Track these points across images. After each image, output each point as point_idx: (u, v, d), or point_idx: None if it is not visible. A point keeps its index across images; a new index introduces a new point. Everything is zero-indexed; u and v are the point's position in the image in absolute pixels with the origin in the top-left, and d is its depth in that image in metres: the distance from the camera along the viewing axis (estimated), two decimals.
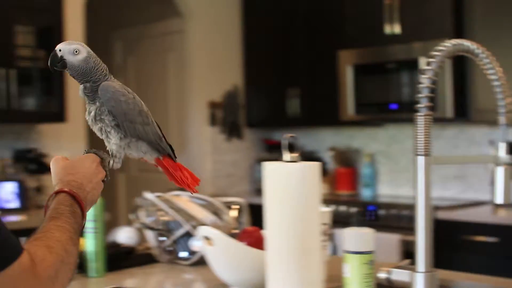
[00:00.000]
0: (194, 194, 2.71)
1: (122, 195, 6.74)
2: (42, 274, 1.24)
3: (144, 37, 6.59)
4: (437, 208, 4.43)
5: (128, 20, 6.76)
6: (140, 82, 6.63)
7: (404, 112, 4.74)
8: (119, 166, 1.71)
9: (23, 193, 4.68)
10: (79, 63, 1.65)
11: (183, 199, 2.66)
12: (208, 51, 6.06)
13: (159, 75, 6.43)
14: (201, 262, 2.37)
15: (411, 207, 1.66)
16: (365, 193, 5.43)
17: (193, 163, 6.07)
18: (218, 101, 6.09)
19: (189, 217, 2.53)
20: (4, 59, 4.55)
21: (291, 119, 5.79)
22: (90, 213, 2.35)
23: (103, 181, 1.62)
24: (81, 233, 1.45)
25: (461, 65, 4.52)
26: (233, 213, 2.66)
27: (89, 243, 2.37)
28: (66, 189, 1.47)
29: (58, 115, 4.81)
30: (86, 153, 1.64)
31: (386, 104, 4.97)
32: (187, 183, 1.79)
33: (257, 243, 2.02)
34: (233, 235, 2.28)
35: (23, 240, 1.31)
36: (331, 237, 2.47)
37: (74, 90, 5.12)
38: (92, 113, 1.69)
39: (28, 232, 3.82)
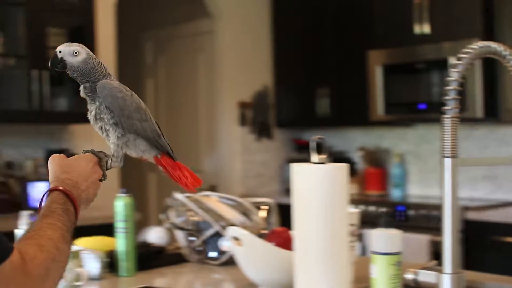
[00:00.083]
0: (223, 195, 2.74)
1: (152, 195, 6.78)
2: (33, 272, 1.25)
3: (174, 37, 6.63)
4: (466, 208, 4.41)
5: (158, 20, 6.80)
6: (170, 82, 6.67)
7: (433, 112, 4.73)
8: (117, 165, 1.73)
9: None
10: (78, 64, 1.69)
11: (213, 200, 2.68)
12: (238, 51, 6.09)
13: (189, 76, 6.47)
14: (230, 262, 2.39)
15: (440, 208, 1.67)
16: (395, 194, 5.42)
17: (223, 163, 6.11)
18: (248, 101, 6.11)
19: (218, 217, 2.56)
20: (37, 61, 4.61)
21: (320, 119, 5.80)
22: (121, 213, 2.39)
23: (100, 180, 1.64)
24: (73, 230, 1.46)
25: (491, 65, 4.50)
26: (262, 213, 2.68)
27: (120, 243, 2.40)
28: (59, 187, 1.49)
29: None
30: (85, 152, 1.66)
31: (415, 104, 4.96)
32: (185, 182, 1.81)
33: (286, 243, 2.04)
34: (262, 236, 2.30)
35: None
36: (360, 238, 2.49)
37: None
38: (93, 113, 1.73)
39: None
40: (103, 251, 2.39)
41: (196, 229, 2.57)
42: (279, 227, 2.57)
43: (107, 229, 2.62)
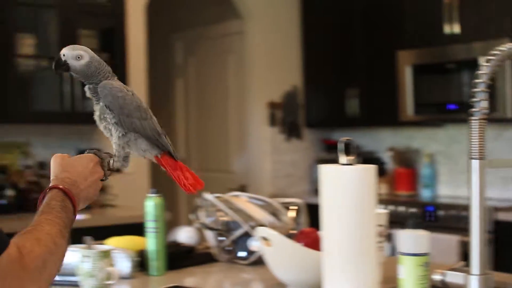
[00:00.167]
0: (253, 195, 2.76)
1: (183, 195, 6.82)
2: (30, 265, 1.29)
3: (204, 38, 6.67)
4: (496, 209, 4.39)
5: (188, 21, 6.84)
6: (200, 83, 6.70)
7: (464, 113, 4.68)
8: (119, 165, 1.76)
9: None
10: (81, 67, 1.73)
11: (242, 200, 2.70)
12: (267, 52, 6.11)
13: (219, 76, 6.50)
14: (259, 261, 2.40)
15: (468, 209, 1.67)
16: (425, 194, 5.40)
17: (252, 163, 6.13)
18: (278, 102, 6.13)
19: (247, 217, 2.57)
20: None
21: (350, 119, 5.80)
22: (151, 213, 2.42)
23: (102, 180, 1.68)
24: (71, 226, 1.50)
25: None
26: (291, 213, 2.69)
27: (150, 243, 2.42)
28: (58, 185, 1.53)
29: None
30: (87, 153, 1.70)
31: (445, 105, 4.95)
32: (184, 183, 1.83)
33: (314, 244, 2.05)
34: (290, 236, 2.32)
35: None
36: (388, 238, 2.49)
37: (136, 92, 5.21)
38: (97, 113, 1.77)
39: (91, 230, 3.91)
40: (133, 251, 2.41)
41: (225, 229, 2.59)
42: (308, 227, 2.58)
43: (138, 229, 2.65)
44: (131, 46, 5.13)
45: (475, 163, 1.66)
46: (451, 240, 4.46)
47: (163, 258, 2.43)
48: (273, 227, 2.41)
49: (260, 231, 2.16)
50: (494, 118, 4.46)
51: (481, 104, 1.66)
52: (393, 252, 3.95)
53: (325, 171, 1.77)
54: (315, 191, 5.95)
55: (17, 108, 4.48)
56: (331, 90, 5.99)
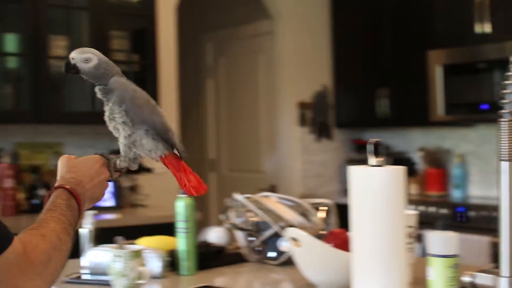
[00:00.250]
0: (283, 196, 2.77)
1: (213, 195, 6.85)
2: (35, 259, 1.33)
3: (234, 38, 6.69)
4: None
5: (218, 22, 6.87)
6: (230, 83, 6.73)
7: (495, 113, 4.65)
8: (125, 165, 1.79)
9: (118, 192, 4.83)
10: (90, 69, 1.77)
11: (272, 200, 2.71)
12: (297, 52, 6.11)
13: (249, 76, 6.51)
14: (289, 262, 2.41)
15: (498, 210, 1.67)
16: (455, 194, 5.37)
17: (283, 163, 6.14)
18: (308, 102, 6.13)
19: (277, 218, 2.59)
20: None
21: (380, 119, 5.78)
22: (182, 214, 2.44)
23: (108, 181, 1.72)
24: (77, 225, 1.55)
25: None
26: (321, 214, 2.70)
27: (181, 243, 2.44)
28: (64, 185, 1.57)
29: None
30: (95, 154, 1.74)
31: (477, 104, 4.92)
32: (185, 184, 1.86)
33: (344, 245, 2.05)
34: (320, 236, 2.33)
35: None
36: (419, 239, 2.49)
37: (167, 93, 5.26)
38: (107, 113, 1.80)
39: (122, 230, 3.94)
40: (164, 250, 2.44)
41: (255, 230, 2.61)
42: (338, 227, 2.59)
43: (169, 229, 2.67)
44: (162, 47, 5.16)
45: (505, 165, 1.66)
46: (482, 241, 4.44)
47: (194, 258, 2.45)
48: (302, 227, 2.42)
49: (290, 232, 2.18)
50: None
51: (510, 105, 1.66)
52: (424, 252, 3.95)
53: (354, 172, 1.77)
54: (345, 191, 5.94)
55: (50, 109, 4.53)
56: (361, 89, 5.98)
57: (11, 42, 4.51)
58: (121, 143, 1.79)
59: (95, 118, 4.70)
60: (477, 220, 4.64)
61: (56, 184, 1.58)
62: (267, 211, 2.62)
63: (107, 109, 1.79)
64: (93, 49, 1.81)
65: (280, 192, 5.81)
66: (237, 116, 6.66)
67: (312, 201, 2.75)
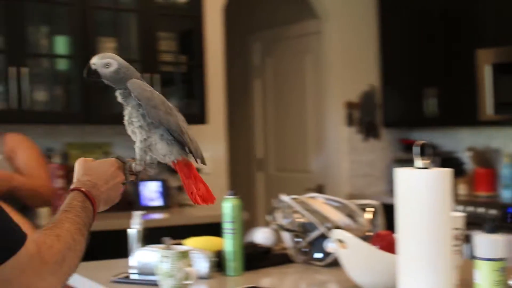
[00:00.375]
0: (329, 197, 2.77)
1: (261, 195, 6.87)
2: (49, 259, 1.36)
3: (281, 38, 6.69)
4: None
5: (265, 22, 6.88)
6: (277, 83, 6.73)
7: None
8: (140, 168, 1.81)
9: (166, 192, 4.88)
10: (110, 74, 1.81)
11: (319, 201, 2.72)
12: (345, 51, 6.10)
13: (296, 76, 6.51)
14: (335, 263, 2.41)
15: None
16: (505, 195, 5.30)
17: (330, 163, 6.13)
18: (355, 101, 6.11)
19: (324, 219, 2.59)
20: (148, 65, 4.76)
21: (428, 118, 5.73)
22: (229, 215, 2.46)
23: (123, 184, 1.74)
24: (91, 226, 1.58)
25: None
26: (368, 215, 2.70)
27: (228, 243, 2.46)
28: (80, 187, 1.60)
29: (199, 117, 4.97)
30: (111, 157, 1.78)
31: None
32: (192, 191, 1.88)
33: (390, 247, 2.05)
34: (367, 238, 2.33)
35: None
36: (467, 240, 2.47)
37: (214, 94, 5.29)
38: (126, 117, 1.83)
39: (170, 229, 3.98)
40: (211, 251, 2.46)
41: (302, 231, 2.61)
42: (385, 228, 2.59)
43: (216, 228, 2.69)
44: (209, 48, 5.19)
45: None
46: None
47: (240, 259, 2.47)
48: (349, 229, 2.42)
49: (336, 234, 2.18)
50: None
51: None
52: (472, 254, 3.91)
53: (400, 174, 1.77)
54: (392, 192, 5.89)
55: (99, 110, 4.59)
56: (409, 89, 5.94)
57: (61, 44, 4.58)
58: (137, 147, 1.82)
59: None
60: None
61: (72, 186, 1.62)
62: (314, 212, 2.63)
63: (126, 113, 1.83)
64: (113, 54, 1.85)
65: (328, 192, 5.83)
66: (284, 116, 6.67)
67: (358, 202, 2.75)
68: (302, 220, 2.62)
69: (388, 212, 2.77)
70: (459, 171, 5.51)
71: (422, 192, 1.72)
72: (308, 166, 6.39)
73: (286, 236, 2.66)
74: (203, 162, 1.90)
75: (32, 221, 3.24)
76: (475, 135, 5.76)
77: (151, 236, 2.56)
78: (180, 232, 3.09)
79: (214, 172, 5.31)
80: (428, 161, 1.76)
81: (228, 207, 2.47)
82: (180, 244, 2.48)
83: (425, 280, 1.71)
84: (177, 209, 4.91)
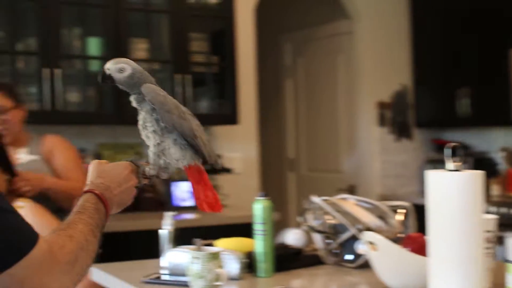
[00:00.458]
0: (360, 198, 2.77)
1: (292, 195, 6.86)
2: (62, 259, 1.38)
3: (312, 39, 6.68)
4: None
5: (297, 22, 6.87)
6: (309, 83, 6.73)
7: None
8: (154, 173, 1.83)
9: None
10: (125, 79, 1.83)
11: (350, 203, 2.71)
12: (376, 52, 6.07)
13: (328, 76, 6.50)
14: (366, 265, 2.40)
15: None
16: None
17: (362, 164, 6.11)
18: (387, 101, 6.09)
19: (355, 220, 2.58)
20: (180, 66, 4.79)
21: (461, 119, 5.69)
22: (260, 216, 2.46)
23: (136, 187, 1.76)
24: (103, 228, 1.59)
25: None
26: (399, 217, 2.68)
27: (259, 245, 2.46)
28: (93, 190, 1.62)
29: (230, 117, 4.99)
30: (125, 161, 1.78)
31: None
32: (199, 197, 1.88)
33: (421, 249, 2.04)
34: (398, 239, 2.32)
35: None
36: (500, 242, 2.45)
37: (246, 94, 5.30)
38: (140, 122, 1.85)
39: (201, 229, 3.99)
40: (242, 252, 2.46)
41: (332, 232, 2.61)
42: (417, 230, 2.57)
43: (248, 229, 2.69)
44: (241, 48, 5.20)
45: None
46: None
47: (271, 260, 2.46)
48: (380, 230, 2.41)
49: (367, 236, 2.17)
50: None
51: None
52: (505, 256, 3.88)
53: (431, 177, 1.76)
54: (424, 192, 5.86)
55: (131, 110, 4.60)
56: (442, 89, 5.90)
57: (94, 45, 4.62)
58: (151, 151, 1.84)
59: None
60: None
61: (85, 188, 1.64)
62: (345, 213, 2.62)
63: (140, 117, 1.85)
64: (127, 59, 1.86)
65: (359, 193, 5.82)
66: (316, 116, 6.66)
67: (390, 204, 2.74)
68: (333, 221, 2.62)
69: (420, 213, 2.75)
70: (492, 172, 5.46)
71: (453, 195, 1.71)
72: (340, 167, 6.38)
73: (317, 238, 2.66)
74: (217, 165, 1.91)
75: None
76: (508, 135, 5.71)
77: (182, 236, 2.57)
78: (211, 233, 3.10)
79: (246, 173, 5.33)
80: (459, 163, 1.74)
81: (259, 209, 2.47)
82: (211, 245, 2.49)
83: (456, 283, 1.70)
84: None
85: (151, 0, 4.89)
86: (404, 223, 2.67)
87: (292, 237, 2.80)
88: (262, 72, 6.13)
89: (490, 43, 5.41)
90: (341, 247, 2.59)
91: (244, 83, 5.26)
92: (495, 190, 5.46)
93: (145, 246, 3.13)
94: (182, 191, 4.82)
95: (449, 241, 1.70)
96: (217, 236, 2.69)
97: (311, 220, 2.68)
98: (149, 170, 1.82)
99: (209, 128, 5.21)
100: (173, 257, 2.39)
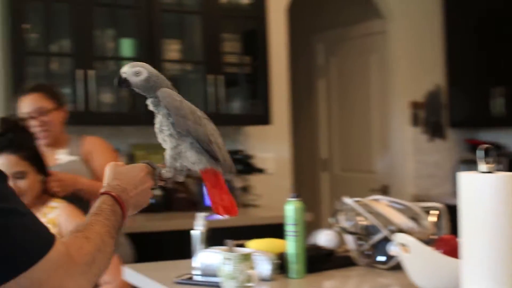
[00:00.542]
0: (393, 199, 2.75)
1: (325, 195, 6.85)
2: (79, 260, 1.38)
3: (345, 38, 6.66)
4: None
5: (329, 22, 6.86)
6: (342, 83, 6.71)
7: None
8: (170, 175, 1.83)
9: (230, 193, 4.89)
10: (141, 82, 1.82)
11: (382, 204, 2.70)
12: (410, 51, 6.04)
13: (360, 76, 6.48)
14: (398, 266, 2.39)
15: None
16: None
17: (395, 164, 6.08)
18: (420, 101, 6.05)
19: (387, 222, 2.57)
20: (213, 66, 4.80)
21: (495, 118, 5.64)
22: (291, 217, 2.46)
23: (152, 189, 1.76)
24: (120, 229, 1.59)
25: None
26: (432, 218, 2.67)
27: (290, 246, 2.46)
28: (110, 192, 1.63)
29: (263, 117, 4.99)
30: (141, 163, 1.79)
31: None
32: (215, 201, 1.88)
33: (453, 251, 2.03)
34: (431, 241, 2.30)
35: None
36: None
37: (278, 94, 5.30)
38: (157, 125, 1.84)
39: (234, 230, 3.99)
40: (274, 253, 2.46)
41: (364, 233, 2.60)
42: (450, 231, 2.56)
43: (280, 229, 2.69)
44: (273, 48, 5.20)
45: None
46: None
47: (303, 261, 2.46)
48: (412, 232, 2.40)
49: (398, 238, 2.16)
50: None
51: None
52: None
53: (464, 178, 1.75)
54: None
55: None
56: (475, 88, 5.85)
57: (127, 47, 4.65)
58: (167, 154, 1.84)
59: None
60: None
61: (102, 190, 1.64)
62: (377, 214, 2.61)
63: (157, 121, 1.85)
64: (144, 63, 1.86)
65: (392, 193, 5.79)
66: (349, 116, 6.64)
67: (422, 205, 2.72)
68: (365, 222, 2.61)
69: (454, 214, 2.72)
70: None
71: (486, 197, 1.70)
72: (373, 167, 6.36)
73: (349, 239, 2.65)
74: (232, 171, 1.91)
75: None
76: None
77: (214, 237, 2.58)
78: (243, 233, 3.11)
79: (278, 173, 5.33)
80: (492, 165, 1.73)
81: (290, 210, 2.47)
82: (243, 245, 2.49)
83: (488, 286, 1.68)
84: (241, 209, 4.93)
85: (183, 1, 4.91)
86: (437, 224, 2.66)
87: (324, 238, 2.80)
88: (294, 72, 6.12)
89: None
90: (373, 249, 2.58)
91: (277, 83, 5.26)
92: None
93: (178, 246, 3.14)
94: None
95: (482, 243, 1.69)
96: (249, 237, 2.69)
97: (343, 221, 2.67)
98: (165, 172, 1.82)
99: (241, 128, 5.22)
100: (205, 258, 2.40)
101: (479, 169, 1.74)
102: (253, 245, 2.55)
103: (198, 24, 4.90)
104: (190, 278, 2.42)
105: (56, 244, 1.35)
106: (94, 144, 3.73)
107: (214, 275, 2.25)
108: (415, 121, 6.03)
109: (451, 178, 6.09)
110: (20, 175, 2.95)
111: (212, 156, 1.85)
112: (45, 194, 3.10)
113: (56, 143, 3.63)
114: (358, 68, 6.51)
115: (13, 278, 1.27)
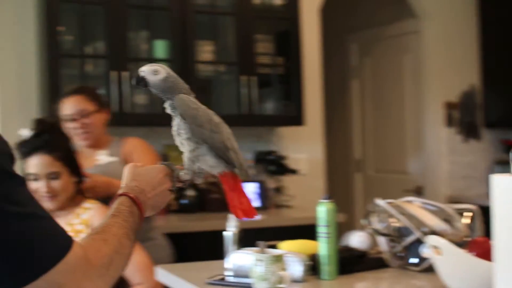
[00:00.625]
0: (425, 200, 2.74)
1: (359, 195, 6.83)
2: (97, 262, 1.39)
3: (379, 38, 6.64)
4: None
5: (363, 22, 6.84)
6: (376, 83, 6.69)
7: None
8: (188, 178, 1.83)
9: (264, 193, 4.91)
10: (159, 82, 1.82)
11: (415, 206, 2.69)
12: (444, 51, 6.00)
13: (395, 76, 6.45)
14: (431, 268, 2.38)
15: None
16: None
17: (429, 165, 6.05)
18: (455, 102, 6.01)
19: (419, 223, 2.56)
20: (246, 67, 4.81)
21: None
22: (324, 219, 2.46)
23: (170, 190, 1.76)
24: (138, 231, 1.59)
25: None
26: (465, 220, 2.65)
27: (322, 247, 2.46)
28: (128, 193, 1.63)
29: (296, 118, 4.99)
30: (161, 165, 1.79)
31: None
32: (234, 205, 1.87)
33: (486, 254, 2.01)
34: (464, 243, 2.29)
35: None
36: None
37: (311, 95, 5.30)
38: (175, 128, 1.84)
39: (266, 230, 4.00)
40: (306, 254, 2.46)
41: (397, 235, 2.59)
42: (484, 233, 2.54)
43: (313, 230, 2.69)
44: (306, 49, 5.20)
45: None
46: None
47: (335, 263, 2.46)
48: (445, 234, 2.39)
49: (431, 240, 2.15)
50: None
51: None
52: None
53: (497, 181, 1.74)
54: None
55: None
56: (510, 89, 5.79)
57: (161, 48, 4.68)
58: (186, 157, 1.84)
59: (241, 120, 4.84)
60: None
61: (120, 192, 1.65)
62: (409, 216, 2.60)
63: (175, 124, 1.85)
64: (162, 64, 1.87)
65: (427, 194, 5.76)
66: (382, 116, 6.62)
67: (456, 207, 2.70)
68: (397, 224, 2.60)
69: (489, 215, 2.70)
70: None
71: None
72: (407, 167, 6.33)
73: (382, 240, 2.64)
74: (247, 177, 1.91)
75: None
76: None
77: (246, 238, 2.59)
78: (276, 234, 3.11)
79: (311, 174, 5.32)
80: None
81: (322, 211, 2.47)
82: (275, 246, 2.50)
83: None
84: (274, 210, 4.94)
85: (216, 2, 4.92)
86: (470, 226, 2.64)
87: (357, 239, 2.79)
88: (328, 72, 6.12)
89: None
90: (405, 250, 2.57)
91: (310, 84, 5.25)
92: None
93: (210, 247, 3.16)
94: (249, 192, 4.84)
95: None
96: (281, 238, 2.70)
97: (376, 223, 2.67)
98: (184, 174, 1.83)
99: (274, 129, 5.23)
100: (237, 259, 2.41)
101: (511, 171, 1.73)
102: (285, 246, 2.56)
103: (231, 25, 4.91)
104: (222, 279, 2.43)
105: (74, 247, 1.35)
106: (134, 145, 3.75)
107: (246, 276, 2.26)
108: (450, 122, 5.99)
109: (485, 179, 6.03)
110: (54, 176, 2.98)
111: (228, 162, 1.86)
112: (79, 195, 3.13)
113: (97, 145, 3.67)
114: (392, 68, 6.48)
115: (31, 282, 1.28)
